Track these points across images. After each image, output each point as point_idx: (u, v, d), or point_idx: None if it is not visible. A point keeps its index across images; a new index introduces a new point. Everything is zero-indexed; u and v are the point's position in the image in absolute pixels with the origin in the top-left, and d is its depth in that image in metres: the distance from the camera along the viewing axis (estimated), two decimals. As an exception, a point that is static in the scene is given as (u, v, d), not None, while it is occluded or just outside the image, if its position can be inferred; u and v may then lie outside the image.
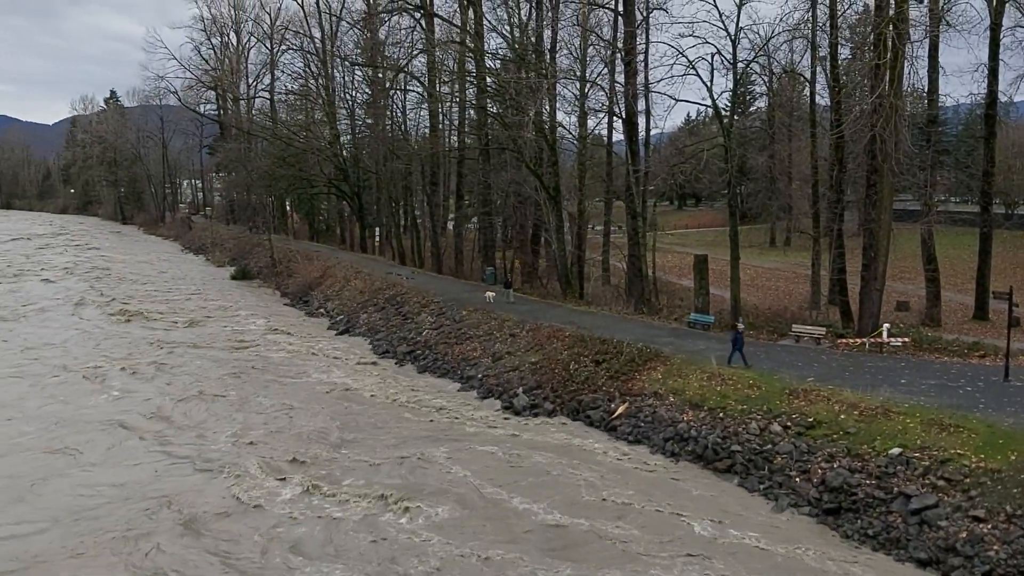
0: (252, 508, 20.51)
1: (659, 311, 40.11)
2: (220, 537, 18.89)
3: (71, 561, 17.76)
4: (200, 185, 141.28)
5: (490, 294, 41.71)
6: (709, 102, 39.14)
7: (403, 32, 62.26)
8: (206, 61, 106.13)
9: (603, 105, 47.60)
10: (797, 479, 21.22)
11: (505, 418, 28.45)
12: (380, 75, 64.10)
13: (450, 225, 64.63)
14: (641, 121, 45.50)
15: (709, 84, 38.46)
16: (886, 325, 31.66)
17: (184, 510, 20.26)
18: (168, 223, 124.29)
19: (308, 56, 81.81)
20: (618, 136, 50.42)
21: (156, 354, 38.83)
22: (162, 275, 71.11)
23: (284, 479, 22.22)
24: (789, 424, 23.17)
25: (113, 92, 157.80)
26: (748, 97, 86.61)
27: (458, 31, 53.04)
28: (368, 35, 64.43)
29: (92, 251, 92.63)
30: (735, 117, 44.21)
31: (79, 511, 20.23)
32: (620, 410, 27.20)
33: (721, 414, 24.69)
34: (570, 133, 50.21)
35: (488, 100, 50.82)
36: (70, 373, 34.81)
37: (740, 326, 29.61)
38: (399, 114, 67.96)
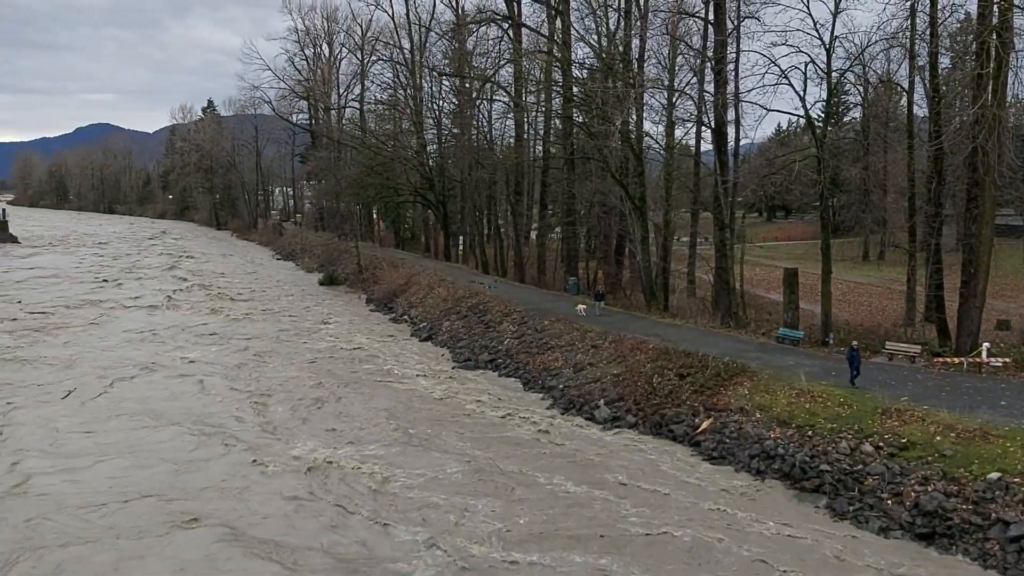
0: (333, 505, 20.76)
1: (746, 325, 39.22)
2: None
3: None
4: (291, 193, 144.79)
5: (581, 307, 40.83)
6: (801, 112, 38.07)
7: (491, 42, 62.75)
8: (299, 72, 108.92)
9: (691, 115, 46.93)
10: (889, 502, 20.40)
11: (585, 430, 28.20)
12: (467, 85, 64.66)
13: (533, 234, 64.65)
14: (730, 131, 44.67)
15: (802, 94, 37.46)
16: (986, 344, 30.26)
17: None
18: (260, 229, 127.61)
19: (397, 67, 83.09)
20: (706, 146, 49.54)
21: (246, 354, 40.36)
22: (255, 279, 73.24)
23: (373, 482, 22.42)
24: (881, 444, 22.31)
25: (210, 102, 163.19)
26: (842, 107, 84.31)
27: (545, 41, 53.10)
28: (456, 46, 65.09)
29: (189, 255, 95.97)
30: (828, 127, 42.98)
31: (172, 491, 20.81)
32: (704, 425, 26.65)
33: (810, 432, 23.93)
34: (657, 143, 49.67)
35: (574, 110, 50.62)
36: (166, 369, 36.63)
37: (855, 344, 28.39)
38: (485, 124, 68.43)
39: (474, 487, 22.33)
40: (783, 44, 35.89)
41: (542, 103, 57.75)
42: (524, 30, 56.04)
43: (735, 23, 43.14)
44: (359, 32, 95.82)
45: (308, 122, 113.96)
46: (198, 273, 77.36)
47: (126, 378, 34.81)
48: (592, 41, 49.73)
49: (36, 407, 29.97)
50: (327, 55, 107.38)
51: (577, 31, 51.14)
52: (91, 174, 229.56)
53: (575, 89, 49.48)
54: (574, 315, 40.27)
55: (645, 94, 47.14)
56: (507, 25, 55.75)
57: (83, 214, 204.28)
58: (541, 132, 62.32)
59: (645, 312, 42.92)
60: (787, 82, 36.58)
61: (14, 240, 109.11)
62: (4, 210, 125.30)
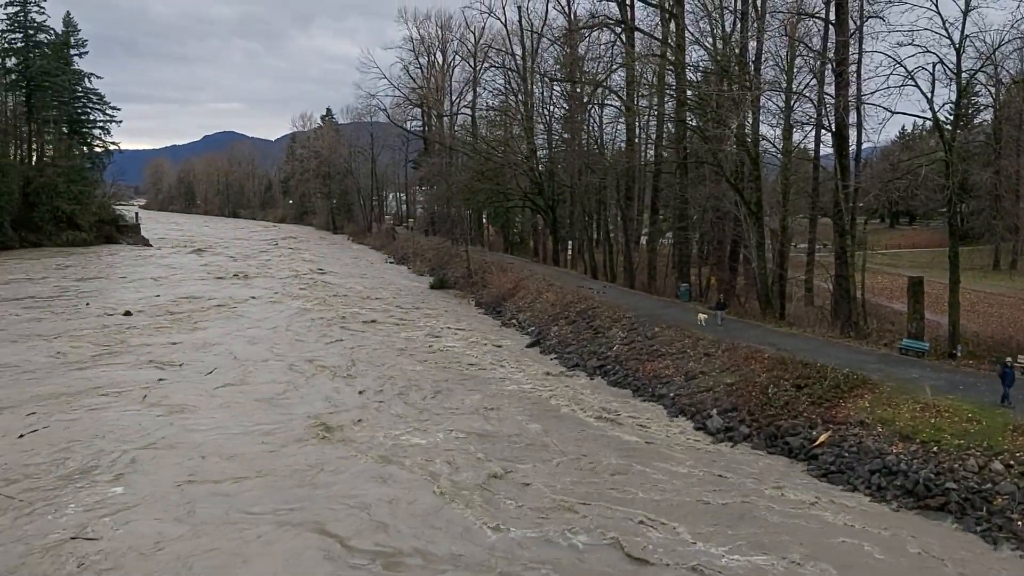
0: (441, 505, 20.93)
1: (867, 335, 37.70)
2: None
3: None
4: (404, 198, 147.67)
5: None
6: (928, 114, 36.47)
7: (603, 47, 62.40)
8: (413, 80, 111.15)
9: (810, 118, 45.44)
10: (1020, 523, 19.23)
11: (697, 440, 27.66)
12: (578, 90, 64.54)
13: (643, 240, 63.95)
14: (852, 134, 43.06)
15: (929, 96, 35.80)
16: None
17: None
18: (374, 233, 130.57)
19: (509, 73, 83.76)
20: (826, 150, 47.95)
21: (359, 352, 41.77)
22: (368, 282, 75.08)
23: (481, 485, 22.55)
24: (1012, 463, 21.06)
25: (329, 110, 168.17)
26: (972, 109, 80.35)
27: (659, 44, 52.46)
28: (568, 51, 65.05)
29: (307, 257, 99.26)
30: (957, 130, 40.89)
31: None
32: (822, 438, 25.71)
33: (935, 448, 22.76)
34: (774, 146, 48.32)
35: (688, 113, 49.82)
36: (286, 360, 39.36)
37: (1009, 360, 26.75)
38: (596, 128, 68.06)
39: (589, 492, 22.13)
40: (909, 44, 34.39)
41: (654, 107, 57.04)
42: (637, 34, 55.53)
43: (858, 23, 41.60)
44: (472, 40, 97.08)
45: (421, 128, 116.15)
46: (315, 274, 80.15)
47: (251, 364, 38.46)
48: (707, 44, 48.83)
49: (182, 383, 34.35)
50: (440, 63, 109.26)
51: (691, 34, 50.35)
52: (217, 180, 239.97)
53: (689, 92, 48.70)
54: (686, 322, 39.55)
55: (762, 97, 45.96)
56: (620, 29, 55.38)
57: (209, 218, 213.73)
58: (653, 136, 61.59)
59: (760, 320, 41.82)
60: (913, 83, 35.08)
61: (146, 243, 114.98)
62: (137, 214, 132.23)
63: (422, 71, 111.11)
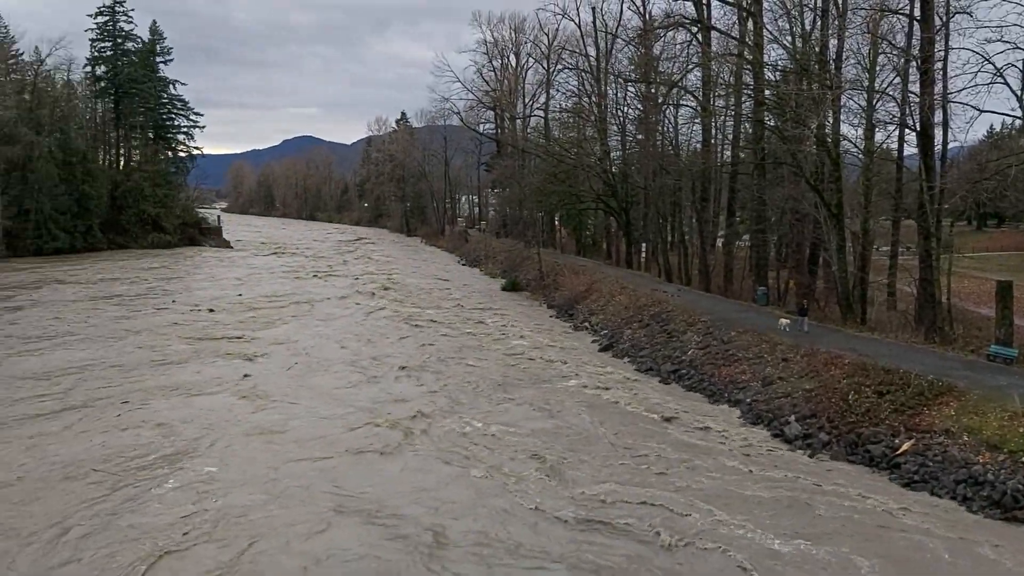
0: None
1: (953, 341, 36.40)
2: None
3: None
4: (476, 200, 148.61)
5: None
6: (1018, 113, 34.99)
7: (678, 47, 61.70)
8: (487, 83, 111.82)
9: (893, 117, 44.13)
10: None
11: (774, 447, 27.09)
12: (653, 91, 63.94)
13: (719, 242, 63.01)
14: (937, 134, 41.58)
15: (1019, 93, 34.47)
16: None
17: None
18: (447, 236, 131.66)
19: (582, 74, 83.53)
20: (910, 150, 46.47)
21: (431, 351, 42.48)
22: (441, 283, 75.93)
23: (542, 477, 22.48)
24: (1111, 476, 20.09)
25: (403, 114, 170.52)
26: (1066, 106, 77.07)
27: (736, 43, 51.62)
28: (643, 51, 64.52)
29: (381, 258, 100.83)
30: (1050, 128, 39.42)
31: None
32: (905, 447, 24.90)
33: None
34: (855, 146, 47.04)
35: (766, 113, 48.88)
36: (362, 358, 40.71)
37: None
38: (671, 129, 67.35)
39: (658, 494, 21.87)
40: (998, 40, 33.19)
41: (731, 107, 56.20)
42: (713, 33, 54.74)
43: (943, 19, 40.25)
44: (545, 42, 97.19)
45: (494, 131, 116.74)
46: (389, 275, 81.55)
47: (327, 359, 40.63)
48: (786, 42, 47.83)
49: (265, 375, 36.71)
50: (514, 65, 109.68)
51: (770, 32, 49.35)
52: (295, 183, 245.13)
53: (767, 92, 47.80)
54: (763, 326, 38.80)
55: (843, 96, 44.83)
56: (696, 29, 54.63)
57: (287, 220, 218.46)
58: (730, 137, 60.73)
59: (840, 325, 40.75)
60: (1002, 81, 33.84)
61: (228, 245, 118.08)
62: (219, 216, 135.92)
63: (495, 74, 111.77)
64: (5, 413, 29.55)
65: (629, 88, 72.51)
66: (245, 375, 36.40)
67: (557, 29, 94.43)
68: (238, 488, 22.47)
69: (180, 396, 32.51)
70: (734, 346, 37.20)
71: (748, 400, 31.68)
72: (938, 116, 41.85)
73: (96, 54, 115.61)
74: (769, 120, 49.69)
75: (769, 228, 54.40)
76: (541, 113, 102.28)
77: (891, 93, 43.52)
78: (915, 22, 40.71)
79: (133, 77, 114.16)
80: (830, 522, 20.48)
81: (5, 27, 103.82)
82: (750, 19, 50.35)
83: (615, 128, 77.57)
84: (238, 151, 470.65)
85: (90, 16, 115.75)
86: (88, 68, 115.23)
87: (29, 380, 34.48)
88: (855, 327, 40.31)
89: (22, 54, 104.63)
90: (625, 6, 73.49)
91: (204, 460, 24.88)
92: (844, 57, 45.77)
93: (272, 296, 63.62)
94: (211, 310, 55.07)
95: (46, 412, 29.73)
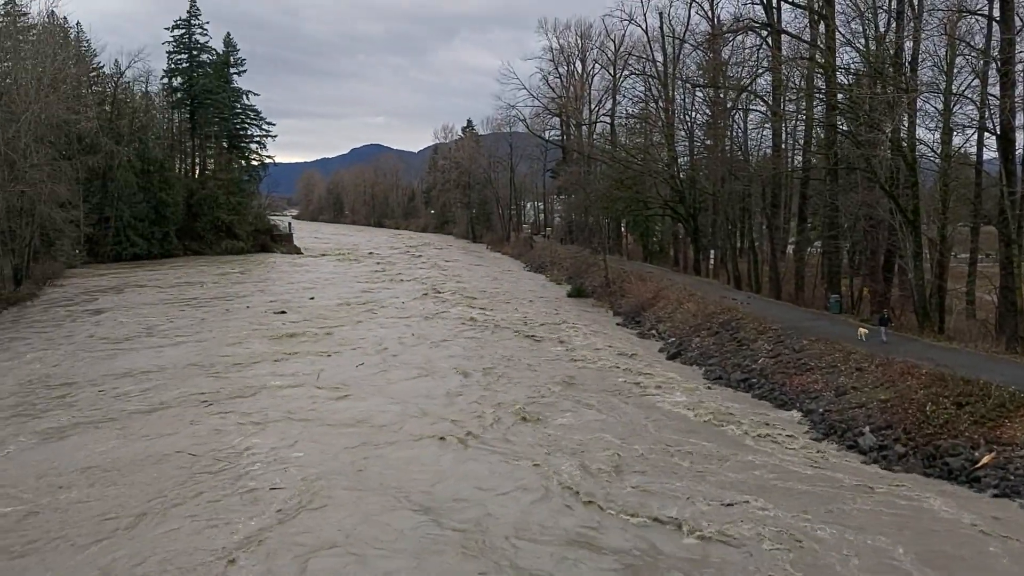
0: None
1: (1036, 351, 35.15)
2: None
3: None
4: (541, 207, 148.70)
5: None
6: (1109, 113, 33.73)
7: (747, 51, 60.91)
8: (552, 89, 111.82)
9: (972, 120, 42.84)
10: None
11: (848, 458, 26.48)
12: (722, 95, 63.25)
13: (790, 249, 61.90)
14: (1019, 137, 40.28)
15: (1107, 94, 33.22)
16: None
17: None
18: (512, 242, 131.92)
19: (649, 80, 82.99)
20: (990, 154, 45.07)
21: (497, 357, 42.53)
22: (506, 289, 76.18)
23: (603, 482, 22.34)
24: None
25: (469, 121, 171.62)
26: None
27: (807, 47, 50.71)
28: (711, 56, 63.84)
29: (448, 264, 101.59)
30: None
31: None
32: (985, 459, 24.09)
33: (1116, 475, 20.99)
34: (932, 151, 45.81)
35: (839, 117, 47.88)
36: (423, 361, 41.60)
37: None
38: (740, 134, 66.47)
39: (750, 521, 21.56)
40: (1083, 40, 31.97)
41: (802, 111, 55.12)
42: (784, 37, 53.85)
43: (1024, 20, 39.03)
44: (612, 48, 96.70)
45: (560, 138, 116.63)
46: (454, 280, 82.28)
47: (395, 358, 42.40)
48: (859, 45, 46.83)
49: (338, 372, 38.85)
50: (580, 72, 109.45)
51: (842, 35, 48.32)
52: (363, 191, 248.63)
53: (840, 96, 46.81)
54: (836, 335, 37.98)
55: (919, 99, 43.71)
56: (765, 32, 53.84)
57: (355, 227, 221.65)
58: (801, 142, 59.58)
59: (916, 334, 39.63)
60: (1089, 81, 32.58)
61: (298, 251, 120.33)
62: (290, 223, 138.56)
63: (561, 80, 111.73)
64: (99, 408, 31.46)
65: (697, 93, 71.92)
66: (320, 370, 38.76)
67: (624, 35, 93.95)
68: (321, 469, 24.62)
69: (262, 391, 34.69)
70: (806, 355, 36.48)
71: (820, 410, 31.03)
72: (1020, 119, 40.55)
73: (173, 66, 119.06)
74: (842, 124, 48.69)
75: (842, 234, 53.19)
76: (607, 119, 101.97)
77: (969, 96, 42.30)
78: (994, 23, 39.52)
79: (208, 88, 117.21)
80: (928, 537, 19.93)
81: (87, 41, 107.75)
82: (822, 22, 49.43)
83: (683, 133, 76.93)
84: (308, 160, 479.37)
85: (167, 29, 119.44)
86: (165, 80, 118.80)
87: (119, 378, 36.56)
88: (932, 336, 39.19)
89: (103, 67, 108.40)
90: (693, 11, 72.63)
91: (289, 446, 27.05)
92: (920, 59, 44.62)
93: (342, 299, 65.42)
94: (283, 311, 57.40)
95: (132, 410, 31.45)
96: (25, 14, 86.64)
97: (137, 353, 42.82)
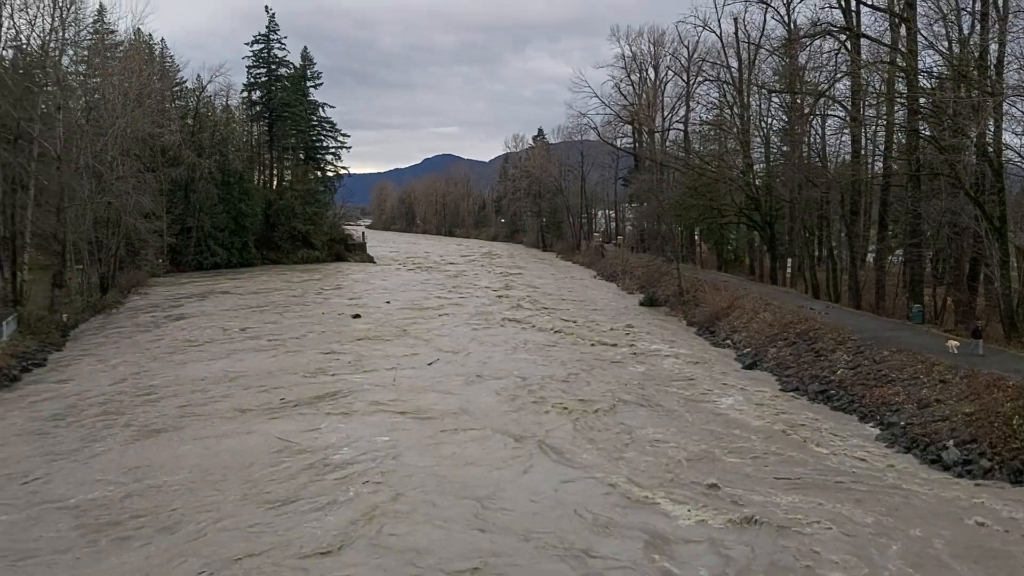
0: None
1: None
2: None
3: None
4: (613, 215, 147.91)
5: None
6: None
7: (825, 56, 59.51)
8: (624, 97, 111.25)
9: (1062, 123, 41.33)
10: None
11: (931, 472, 25.71)
12: (798, 101, 62.11)
13: (870, 257, 60.36)
14: (1112, 141, 38.72)
15: None
16: None
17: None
18: (583, 251, 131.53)
19: (724, 86, 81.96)
20: (1082, 159, 43.41)
21: (571, 367, 42.44)
22: (578, 297, 76.02)
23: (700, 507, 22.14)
24: None
25: (540, 130, 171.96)
26: None
27: (888, 50, 49.52)
28: (787, 61, 62.80)
29: (518, 273, 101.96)
30: None
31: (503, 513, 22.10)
32: (1080, 477, 23.15)
33: None
34: (1019, 155, 44.26)
35: (921, 122, 46.60)
36: (495, 366, 42.68)
37: None
38: (817, 140, 65.13)
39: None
40: None
41: (883, 116, 53.77)
42: (863, 40, 52.66)
43: (1119, 19, 37.46)
44: (685, 54, 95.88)
45: (632, 145, 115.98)
46: (525, 288, 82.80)
47: (467, 361, 43.99)
48: (942, 48, 45.55)
49: (413, 371, 41.32)
50: (652, 79, 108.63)
51: (925, 38, 47.01)
52: (434, 200, 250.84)
53: (922, 100, 45.58)
54: (919, 346, 36.92)
55: (1005, 102, 42.29)
56: (844, 37, 52.69)
57: (427, 236, 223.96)
58: (881, 147, 58.11)
59: (1004, 344, 38.30)
60: None
61: (371, 260, 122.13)
62: (363, 233, 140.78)
63: (633, 88, 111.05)
64: (187, 407, 33.25)
65: (773, 99, 70.70)
66: (395, 367, 41.51)
67: (697, 41, 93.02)
68: (408, 453, 27.35)
69: (343, 387, 37.11)
70: (887, 366, 35.55)
71: (902, 423, 30.19)
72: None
73: (252, 80, 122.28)
74: (924, 129, 47.38)
75: (925, 242, 51.71)
76: (680, 126, 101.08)
77: (1059, 98, 40.77)
78: (1087, 22, 38.06)
79: (286, 101, 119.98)
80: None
81: (171, 57, 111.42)
82: (903, 25, 48.21)
83: (758, 140, 75.82)
84: (382, 170, 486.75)
85: (247, 44, 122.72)
86: (245, 93, 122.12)
87: (203, 380, 38.33)
88: (1020, 347, 37.81)
89: (186, 82, 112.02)
90: (768, 16, 71.48)
91: (378, 434, 29.69)
92: (1006, 62, 43.19)
93: (414, 305, 67.38)
94: (357, 315, 60.28)
95: (219, 408, 33.31)
96: (113, 31, 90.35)
97: (220, 356, 44.69)
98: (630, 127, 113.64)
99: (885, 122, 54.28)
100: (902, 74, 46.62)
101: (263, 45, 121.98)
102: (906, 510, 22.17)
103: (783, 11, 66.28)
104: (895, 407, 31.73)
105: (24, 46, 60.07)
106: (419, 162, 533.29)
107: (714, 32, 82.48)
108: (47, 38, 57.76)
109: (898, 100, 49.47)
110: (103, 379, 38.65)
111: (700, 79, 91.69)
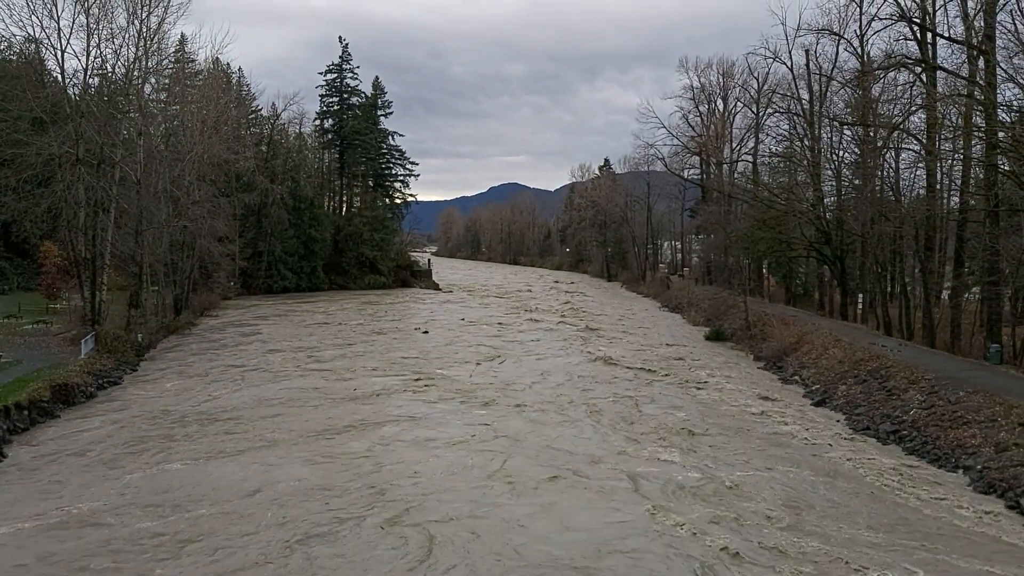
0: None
1: None
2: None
3: None
4: (679, 246, 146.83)
5: None
6: None
7: (899, 88, 58.46)
8: (692, 128, 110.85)
9: None
10: None
11: (1010, 519, 24.70)
12: (871, 134, 61.03)
13: (945, 294, 58.68)
14: None
15: None
16: None
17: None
18: (648, 282, 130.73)
19: (794, 118, 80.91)
20: None
21: (632, 400, 41.95)
22: (642, 329, 75.33)
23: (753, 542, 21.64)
24: None
25: (606, 160, 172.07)
26: None
27: (965, 83, 48.43)
28: (860, 93, 61.82)
29: (584, 305, 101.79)
30: None
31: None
32: None
33: None
34: (1104, 192, 42.77)
35: (1000, 156, 45.39)
36: (556, 392, 43.23)
37: None
38: (891, 174, 63.81)
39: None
40: None
41: (959, 150, 52.48)
42: (939, 73, 51.61)
43: None
44: (755, 86, 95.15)
45: (699, 176, 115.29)
46: (589, 317, 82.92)
47: (532, 387, 45.77)
48: (1022, 80, 44.39)
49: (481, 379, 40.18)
50: (721, 110, 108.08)
51: (1004, 71, 45.89)
52: (500, 228, 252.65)
53: (1001, 134, 44.41)
54: (997, 387, 35.64)
55: (1091, 137, 40.95)
56: (919, 69, 51.74)
57: (492, 264, 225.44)
58: (958, 182, 56.69)
59: (1088, 388, 36.76)
60: None
61: (436, 287, 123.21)
62: (429, 260, 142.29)
63: (701, 119, 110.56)
64: (258, 429, 34.00)
65: (845, 131, 69.61)
66: (472, 373, 47.36)
67: (767, 73, 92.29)
68: (455, 449, 31.29)
69: (412, 410, 38.66)
70: (962, 407, 34.37)
71: (978, 467, 29.11)
72: None
73: (324, 108, 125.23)
74: (1003, 164, 46.10)
75: (1003, 280, 50.10)
76: (749, 158, 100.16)
77: None
78: None
79: (357, 129, 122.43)
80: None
81: (247, 86, 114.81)
82: (981, 57, 47.13)
83: (829, 173, 74.53)
84: (448, 198, 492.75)
85: (320, 74, 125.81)
86: (317, 121, 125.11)
87: (274, 401, 39.43)
88: (1107, 391, 36.22)
89: (261, 110, 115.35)
90: (841, 47, 70.59)
91: (435, 434, 33.36)
92: (1092, 95, 41.91)
93: (479, 330, 68.93)
94: (425, 331, 66.81)
95: (292, 430, 33.95)
96: (193, 60, 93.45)
97: (292, 377, 46.05)
98: (698, 158, 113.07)
99: (962, 156, 52.97)
100: (980, 108, 45.49)
101: (336, 75, 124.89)
102: (995, 558, 21.34)
103: (856, 43, 65.43)
104: (971, 450, 30.59)
105: (109, 74, 62.48)
106: (485, 190, 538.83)
107: (784, 64, 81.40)
108: (131, 67, 60.26)
109: (976, 134, 48.24)
110: (177, 399, 39.74)
111: (770, 111, 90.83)
